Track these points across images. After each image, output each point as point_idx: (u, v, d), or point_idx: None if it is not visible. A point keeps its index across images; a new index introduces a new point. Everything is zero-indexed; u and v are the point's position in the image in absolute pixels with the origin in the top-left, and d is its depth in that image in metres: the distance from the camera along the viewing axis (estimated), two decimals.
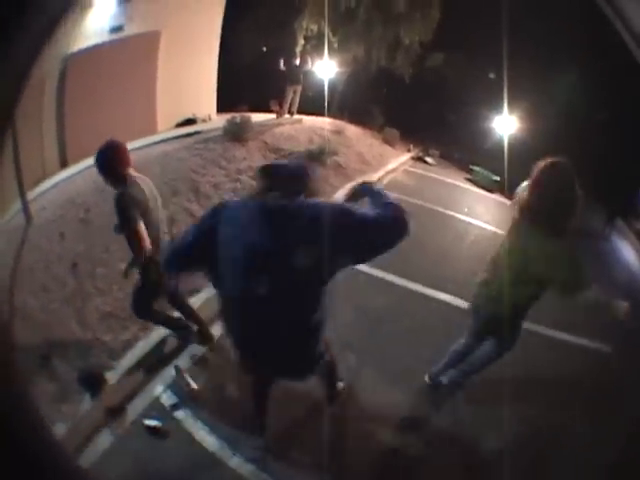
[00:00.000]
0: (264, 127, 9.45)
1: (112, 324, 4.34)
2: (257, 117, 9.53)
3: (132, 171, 3.50)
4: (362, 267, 5.19)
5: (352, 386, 3.75)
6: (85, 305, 4.66)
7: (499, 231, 7.80)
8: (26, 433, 1.07)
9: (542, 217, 2.92)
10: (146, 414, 3.54)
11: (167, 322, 4.15)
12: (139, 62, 9.62)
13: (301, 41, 12.16)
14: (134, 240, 3.42)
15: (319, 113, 11.20)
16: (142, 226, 3.40)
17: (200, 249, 2.38)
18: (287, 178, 2.35)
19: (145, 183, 3.58)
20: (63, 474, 1.17)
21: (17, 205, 6.56)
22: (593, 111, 10.52)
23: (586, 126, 10.43)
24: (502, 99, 8.78)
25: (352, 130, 11.72)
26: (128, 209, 3.34)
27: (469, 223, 8.06)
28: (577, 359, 4.70)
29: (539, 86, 10.10)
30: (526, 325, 3.36)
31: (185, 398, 3.70)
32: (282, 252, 2.17)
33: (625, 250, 8.99)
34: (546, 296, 3.02)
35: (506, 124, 10.81)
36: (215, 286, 2.49)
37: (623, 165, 9.23)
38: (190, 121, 9.98)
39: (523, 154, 10.59)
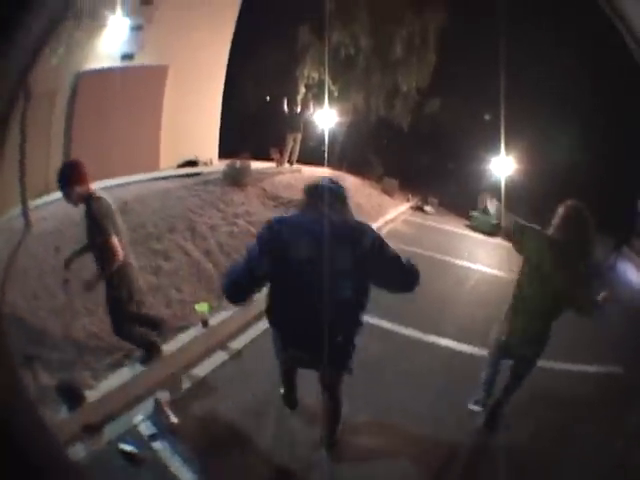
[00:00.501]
0: (263, 174, 9.52)
1: (97, 345, 4.35)
2: (257, 165, 9.62)
3: (94, 189, 3.78)
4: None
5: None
6: (72, 322, 4.68)
7: (500, 273, 8.07)
8: (26, 432, 1.07)
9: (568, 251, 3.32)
10: (122, 439, 3.47)
11: (142, 338, 4.22)
12: (146, 94, 9.84)
13: (302, 89, 12.38)
14: (109, 250, 3.66)
15: (318, 163, 11.22)
16: (115, 237, 3.67)
17: (262, 269, 2.73)
18: (333, 197, 2.81)
19: (109, 198, 3.84)
20: (62, 474, 1.18)
21: (18, 209, 6.73)
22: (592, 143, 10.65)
23: (583, 162, 10.57)
24: (499, 140, 8.89)
25: (351, 181, 11.80)
26: (102, 220, 3.63)
27: (469, 268, 8.06)
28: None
29: (535, 126, 10.22)
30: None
31: (164, 430, 3.63)
32: (339, 259, 2.64)
33: (629, 270, 9.08)
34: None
35: (503, 165, 10.93)
36: (273, 289, 2.88)
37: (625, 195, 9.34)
38: (191, 163, 10.07)
39: (521, 195, 10.75)
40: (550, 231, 3.45)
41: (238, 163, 8.71)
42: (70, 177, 3.68)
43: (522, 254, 3.54)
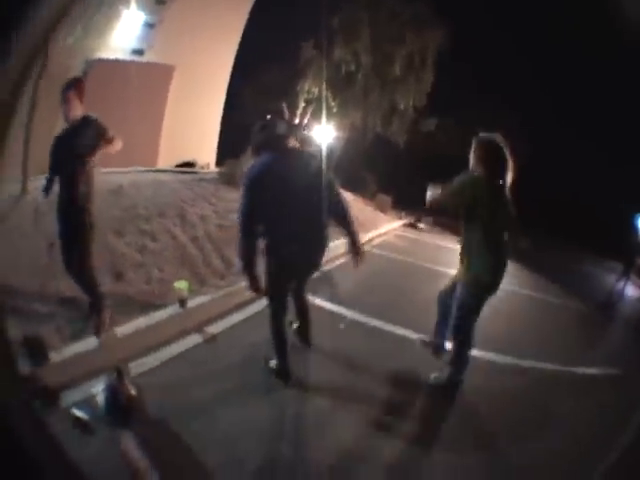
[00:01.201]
0: None
1: (71, 310, 4.33)
2: None
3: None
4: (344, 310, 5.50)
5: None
6: (50, 283, 4.69)
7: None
8: (25, 432, 1.09)
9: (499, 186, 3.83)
10: (77, 405, 3.31)
11: (91, 284, 4.26)
12: (152, 90, 10.10)
13: (302, 103, 12.51)
14: (88, 165, 4.11)
15: None
16: None
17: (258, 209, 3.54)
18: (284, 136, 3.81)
19: None
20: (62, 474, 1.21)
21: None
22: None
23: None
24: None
25: (345, 195, 11.82)
26: (97, 138, 4.08)
27: None
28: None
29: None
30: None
31: (121, 402, 3.40)
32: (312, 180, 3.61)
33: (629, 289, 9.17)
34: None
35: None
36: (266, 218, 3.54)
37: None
38: (189, 164, 10.15)
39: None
40: (475, 169, 3.91)
41: (235, 164, 8.81)
42: (75, 86, 4.13)
43: (461, 208, 3.86)
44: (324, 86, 12.50)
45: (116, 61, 9.68)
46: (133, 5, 9.55)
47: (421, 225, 12.67)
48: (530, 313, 7.22)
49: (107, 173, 8.42)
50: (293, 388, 3.88)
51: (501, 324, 5.89)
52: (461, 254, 3.95)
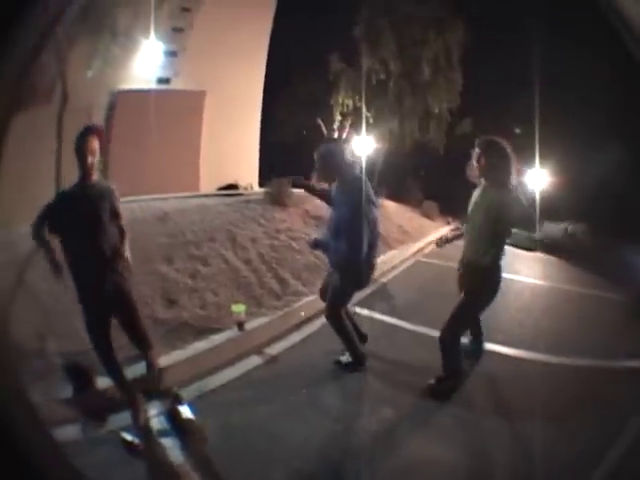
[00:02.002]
0: (305, 197, 9.52)
1: (119, 336, 4.19)
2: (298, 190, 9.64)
3: None
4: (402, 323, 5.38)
5: None
6: None
7: (539, 282, 8.36)
8: (25, 433, 1.08)
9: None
10: (126, 429, 3.31)
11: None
12: (185, 117, 10.20)
13: (338, 117, 12.49)
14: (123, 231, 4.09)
15: None
16: None
17: None
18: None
19: None
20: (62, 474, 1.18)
21: None
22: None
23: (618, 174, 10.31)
24: (533, 153, 8.78)
25: (391, 205, 11.78)
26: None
27: (511, 279, 7.94)
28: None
29: (569, 139, 10.06)
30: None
31: (177, 428, 3.47)
32: None
33: None
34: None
35: (538, 178, 10.82)
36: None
37: None
38: (232, 187, 10.20)
39: (556, 208, 10.53)
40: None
41: (280, 183, 8.82)
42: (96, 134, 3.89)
43: None
44: (362, 97, 12.49)
45: (144, 91, 9.82)
46: (152, 35, 9.71)
47: None
48: (575, 308, 6.94)
49: (150, 200, 8.55)
50: (354, 402, 3.91)
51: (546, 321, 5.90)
52: None
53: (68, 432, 3.34)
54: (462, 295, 4.07)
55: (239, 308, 4.84)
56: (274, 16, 12.32)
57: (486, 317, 5.77)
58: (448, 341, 3.98)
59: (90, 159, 3.76)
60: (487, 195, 3.97)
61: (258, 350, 4.62)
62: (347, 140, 11.60)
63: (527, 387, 4.03)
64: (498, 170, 3.85)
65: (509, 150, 3.88)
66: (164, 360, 3.99)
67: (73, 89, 7.70)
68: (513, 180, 3.88)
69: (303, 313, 5.41)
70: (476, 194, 4.14)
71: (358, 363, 4.29)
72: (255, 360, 4.49)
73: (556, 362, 4.66)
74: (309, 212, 8.63)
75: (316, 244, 4.46)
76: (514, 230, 10.70)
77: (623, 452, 1.38)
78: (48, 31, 1.17)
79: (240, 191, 10.17)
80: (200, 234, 6.61)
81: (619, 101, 9.37)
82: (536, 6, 8.84)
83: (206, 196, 9.11)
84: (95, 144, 3.79)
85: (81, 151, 3.76)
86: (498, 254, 4.00)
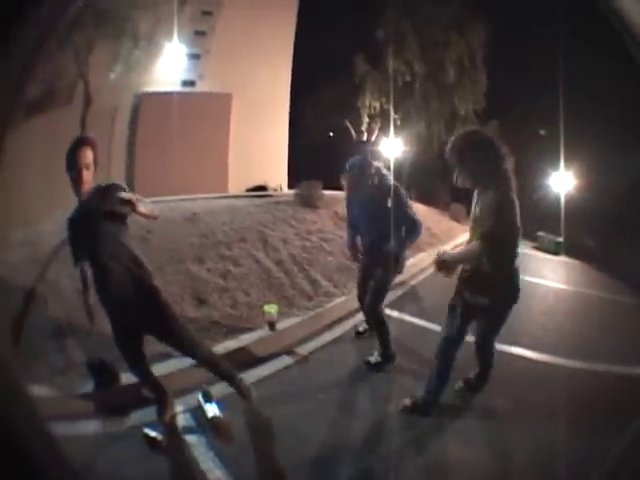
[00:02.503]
0: (335, 199, 9.53)
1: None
2: (328, 192, 9.65)
3: None
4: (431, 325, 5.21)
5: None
6: None
7: (564, 286, 8.29)
8: (25, 433, 1.07)
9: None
10: (149, 425, 3.37)
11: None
12: (212, 119, 10.26)
13: (365, 119, 12.49)
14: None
15: None
16: None
17: None
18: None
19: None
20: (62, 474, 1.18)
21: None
22: None
23: None
24: (558, 156, 8.71)
25: (420, 208, 11.74)
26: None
27: (537, 284, 7.93)
28: None
29: (593, 141, 9.95)
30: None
31: (204, 424, 3.50)
32: None
33: None
34: None
35: (562, 181, 10.75)
36: None
37: None
38: (261, 188, 10.24)
39: (582, 211, 10.42)
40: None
41: (310, 185, 8.89)
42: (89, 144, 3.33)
43: None
44: (389, 99, 12.46)
45: (169, 93, 9.92)
46: (175, 38, 9.80)
47: None
48: (595, 313, 6.86)
49: (177, 200, 8.64)
50: (383, 402, 3.91)
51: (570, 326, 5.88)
52: None
53: (87, 427, 3.42)
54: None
55: (271, 308, 4.88)
56: (297, 17, 12.33)
57: (511, 320, 5.84)
58: None
59: (85, 174, 3.25)
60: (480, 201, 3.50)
61: (289, 350, 4.66)
62: (375, 143, 11.58)
63: (547, 390, 4.03)
64: (485, 168, 3.41)
65: (495, 140, 3.54)
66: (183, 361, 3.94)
67: (96, 92, 7.88)
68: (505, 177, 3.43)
69: None
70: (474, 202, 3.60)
71: (388, 361, 4.35)
72: (286, 360, 4.53)
73: (577, 367, 4.63)
74: (339, 214, 8.55)
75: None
76: (541, 234, 10.73)
77: (624, 450, 1.39)
78: (50, 30, 1.14)
79: (269, 192, 10.21)
80: (231, 234, 6.68)
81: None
82: (558, 5, 8.76)
83: (235, 197, 9.17)
84: (89, 157, 3.28)
85: (74, 166, 3.25)
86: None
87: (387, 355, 4.36)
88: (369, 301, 4.36)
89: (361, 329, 4.89)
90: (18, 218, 7.04)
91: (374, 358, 4.39)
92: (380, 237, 4.23)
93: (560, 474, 2.99)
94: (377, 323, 4.37)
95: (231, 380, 3.60)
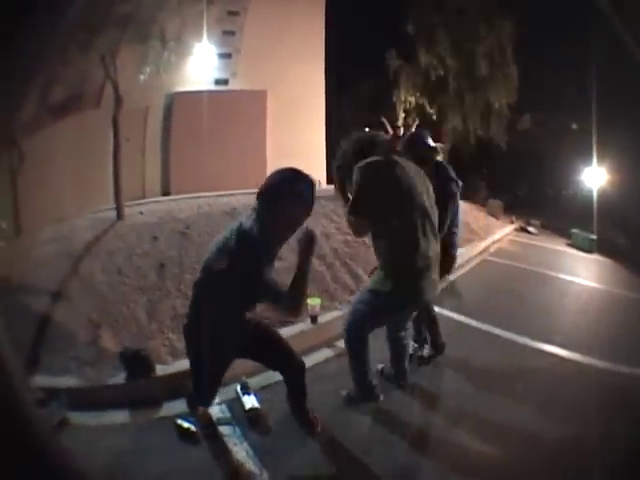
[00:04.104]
0: None
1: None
2: None
3: None
4: (472, 322, 5.46)
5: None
6: (161, 301, 4.98)
7: (598, 285, 8.27)
8: (25, 433, 1.09)
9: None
10: (181, 415, 3.40)
11: None
12: (248, 116, 10.42)
13: (401, 114, 12.53)
14: None
15: None
16: None
17: None
18: None
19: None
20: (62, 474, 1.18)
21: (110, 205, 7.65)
22: None
23: None
24: (590, 150, 8.67)
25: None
26: None
27: (571, 282, 8.02)
28: None
29: (626, 135, 9.87)
30: None
31: (240, 416, 3.53)
32: None
33: None
34: None
35: (595, 176, 10.68)
36: None
37: None
38: None
39: (614, 207, 10.34)
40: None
41: None
42: None
43: None
44: (423, 94, 12.50)
45: (205, 91, 10.19)
46: (204, 38, 10.06)
47: (531, 229, 12.40)
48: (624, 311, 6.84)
49: (217, 196, 8.78)
50: (420, 398, 3.94)
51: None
52: None
53: (115, 417, 3.54)
54: None
55: (315, 301, 4.93)
56: (325, 13, 12.42)
57: (546, 318, 5.91)
58: None
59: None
60: None
61: (330, 343, 4.72)
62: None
63: (576, 389, 4.09)
64: None
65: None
66: None
67: (127, 93, 8.07)
68: None
69: None
70: None
71: (437, 352, 4.40)
72: (326, 353, 4.62)
73: (606, 367, 4.63)
74: None
75: None
76: (574, 231, 10.73)
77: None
78: (51, 31, 1.15)
79: None
80: None
81: None
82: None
83: None
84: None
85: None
86: None
87: (436, 345, 4.41)
88: None
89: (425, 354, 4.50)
90: (52, 215, 7.37)
91: (426, 352, 4.43)
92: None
93: (583, 470, 3.03)
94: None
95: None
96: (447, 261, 3.93)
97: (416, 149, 4.00)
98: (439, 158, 4.39)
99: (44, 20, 1.09)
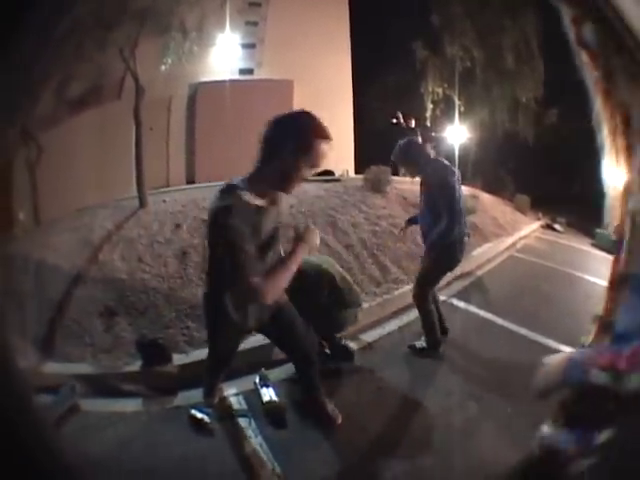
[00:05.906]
0: (403, 184, 9.50)
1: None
2: (396, 178, 9.64)
3: None
4: (499, 320, 5.33)
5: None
6: (182, 289, 4.98)
7: None
8: (25, 433, 1.10)
9: None
10: (195, 405, 3.36)
11: None
12: (274, 105, 10.24)
13: (429, 105, 12.42)
14: None
15: None
16: None
17: None
18: None
19: None
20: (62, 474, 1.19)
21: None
22: None
23: None
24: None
25: (486, 197, 11.67)
26: None
27: (595, 283, 7.83)
28: None
29: None
30: None
31: (258, 408, 3.49)
32: None
33: None
34: None
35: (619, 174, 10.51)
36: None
37: None
38: (328, 173, 10.31)
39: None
40: None
41: (380, 171, 8.94)
42: None
43: None
44: (451, 85, 12.38)
45: (230, 81, 10.20)
46: (227, 28, 10.02)
47: (558, 227, 12.26)
48: None
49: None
50: (444, 395, 3.85)
51: None
52: None
53: (127, 405, 3.55)
54: None
55: None
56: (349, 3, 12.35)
57: (571, 321, 5.82)
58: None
59: None
60: None
61: (354, 337, 4.65)
62: (429, 128, 11.56)
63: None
64: None
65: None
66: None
67: (149, 83, 8.07)
68: None
69: None
70: None
71: (432, 348, 4.34)
72: (351, 346, 4.48)
73: None
74: (407, 200, 8.63)
75: (409, 221, 4.66)
76: (598, 231, 10.55)
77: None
78: (51, 29, 1.15)
79: (336, 177, 10.25)
80: (299, 218, 6.75)
81: None
82: None
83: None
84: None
85: None
86: None
87: (432, 341, 4.35)
88: (413, 286, 4.37)
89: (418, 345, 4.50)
90: (72, 205, 7.43)
91: (420, 343, 4.42)
92: (428, 224, 4.11)
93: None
94: (419, 309, 4.33)
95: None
96: None
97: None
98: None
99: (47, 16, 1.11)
